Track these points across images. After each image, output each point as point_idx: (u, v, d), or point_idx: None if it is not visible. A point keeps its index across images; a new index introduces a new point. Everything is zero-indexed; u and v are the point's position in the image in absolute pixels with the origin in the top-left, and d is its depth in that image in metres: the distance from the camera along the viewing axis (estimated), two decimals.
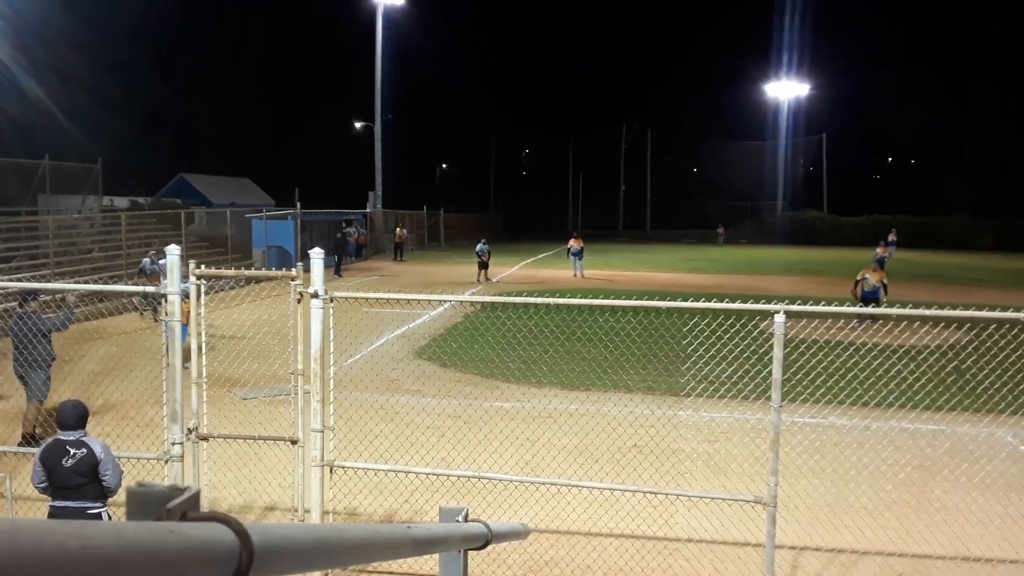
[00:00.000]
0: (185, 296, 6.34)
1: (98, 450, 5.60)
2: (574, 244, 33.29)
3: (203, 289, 6.52)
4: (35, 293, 10.06)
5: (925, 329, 10.73)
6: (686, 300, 6.29)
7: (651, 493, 6.91)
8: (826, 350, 8.39)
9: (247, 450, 8.39)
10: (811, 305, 6.36)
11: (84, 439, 5.66)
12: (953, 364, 11.10)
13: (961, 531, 7.05)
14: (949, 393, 10.63)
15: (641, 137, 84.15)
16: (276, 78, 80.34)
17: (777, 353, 5.73)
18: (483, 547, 2.95)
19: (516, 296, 7.18)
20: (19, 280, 15.37)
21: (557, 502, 7.40)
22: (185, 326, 6.50)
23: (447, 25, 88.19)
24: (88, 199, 30.05)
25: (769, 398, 5.88)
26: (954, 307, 6.58)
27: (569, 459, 9.16)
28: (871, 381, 10.96)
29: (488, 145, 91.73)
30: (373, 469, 7.11)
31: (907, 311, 6.60)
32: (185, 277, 6.34)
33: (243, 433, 7.65)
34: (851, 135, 78.79)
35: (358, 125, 58.44)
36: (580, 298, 6.60)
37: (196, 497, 1.22)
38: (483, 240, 31.90)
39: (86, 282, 15.48)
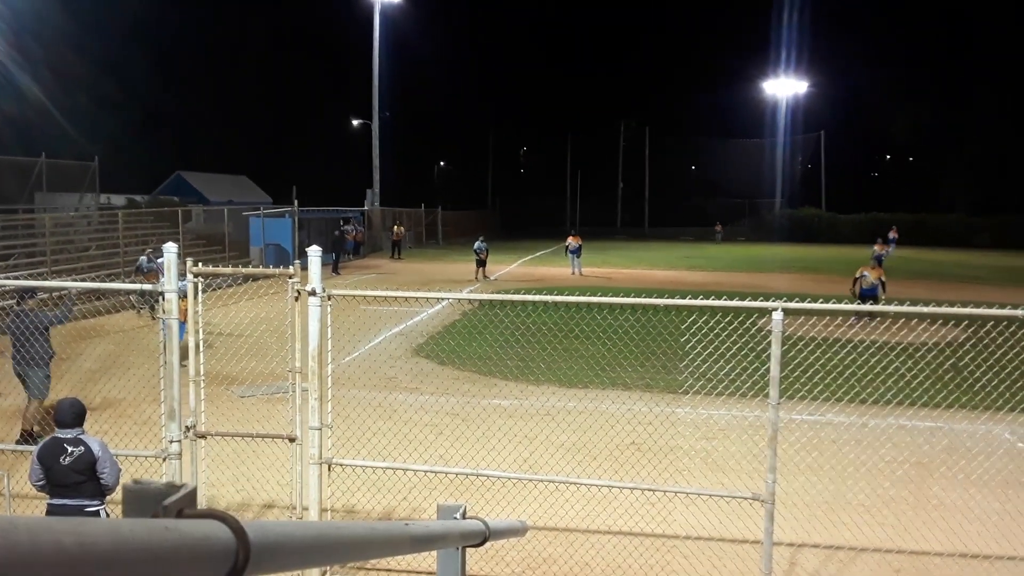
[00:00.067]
0: (183, 294, 6.34)
1: (96, 448, 5.60)
2: (572, 242, 33.29)
3: (200, 287, 6.51)
4: (33, 291, 10.06)
5: (923, 326, 10.74)
6: (684, 298, 6.29)
7: (649, 490, 6.92)
8: (824, 347, 8.39)
9: (245, 448, 8.39)
10: (809, 303, 6.37)
11: (82, 437, 5.66)
12: (951, 361, 11.11)
13: (959, 528, 7.05)
14: (947, 390, 10.63)
15: (639, 135, 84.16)
16: (274, 76, 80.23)
17: (775, 350, 5.73)
18: (481, 544, 2.95)
19: (514, 294, 7.18)
20: (16, 278, 15.36)
21: (555, 499, 7.40)
22: (183, 324, 6.50)
23: (445, 23, 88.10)
24: (85, 197, 30.00)
25: (767, 395, 5.88)
26: (952, 304, 6.59)
27: (567, 456, 9.17)
28: (869, 378, 10.97)
29: (486, 143, 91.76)
30: (371, 467, 7.11)
31: (905, 308, 6.60)
32: (182, 275, 6.33)
33: (241, 431, 7.64)
34: (849, 133, 78.85)
35: (356, 123, 58.39)
36: (578, 296, 6.59)
37: (192, 494, 1.22)
38: (481, 238, 31.90)
39: (83, 280, 15.47)
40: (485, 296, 9.08)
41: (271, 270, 6.93)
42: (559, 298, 6.63)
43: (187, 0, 70.47)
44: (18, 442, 9.23)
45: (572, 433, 9.71)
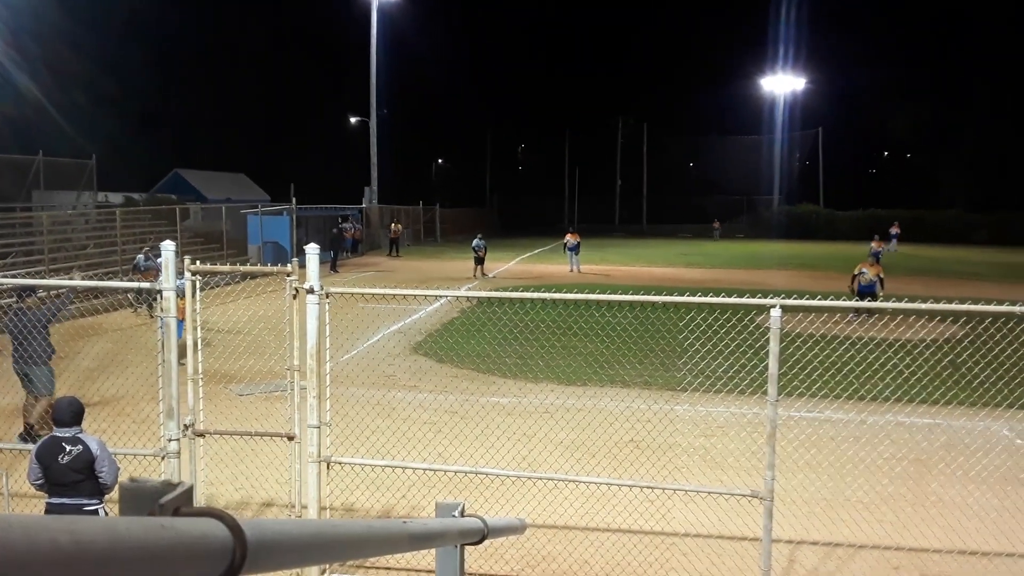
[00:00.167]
0: (181, 293, 6.33)
1: (94, 447, 5.60)
2: (570, 239, 33.29)
3: (198, 285, 6.50)
4: (33, 289, 10.07)
5: (921, 323, 10.74)
6: (682, 295, 6.28)
7: (648, 488, 6.92)
8: (822, 344, 8.39)
9: (244, 446, 8.39)
10: (807, 299, 6.37)
11: (80, 436, 5.66)
12: (949, 358, 11.12)
13: (957, 524, 7.06)
14: (945, 387, 10.65)
15: (637, 132, 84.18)
16: (272, 73, 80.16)
17: (773, 347, 5.73)
18: (479, 542, 2.95)
19: (512, 291, 7.17)
20: (14, 277, 15.35)
21: (554, 497, 7.40)
22: (181, 322, 6.49)
23: (443, 20, 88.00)
24: (83, 195, 29.96)
25: (765, 392, 5.88)
26: (950, 301, 6.60)
27: (566, 454, 9.17)
28: (867, 375, 10.98)
29: (484, 140, 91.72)
30: (370, 465, 7.11)
31: (903, 305, 6.61)
32: (180, 273, 6.32)
33: (240, 429, 7.63)
34: (847, 129, 78.86)
35: (354, 120, 58.29)
36: (576, 293, 6.59)
37: (189, 492, 1.21)
38: (479, 235, 31.88)
39: (81, 278, 15.44)
40: (483, 294, 9.08)
41: (269, 268, 6.93)
42: (557, 295, 6.62)
43: None
44: (22, 436, 9.29)
45: (571, 431, 9.72)
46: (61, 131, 41.24)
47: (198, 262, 6.60)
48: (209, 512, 1.15)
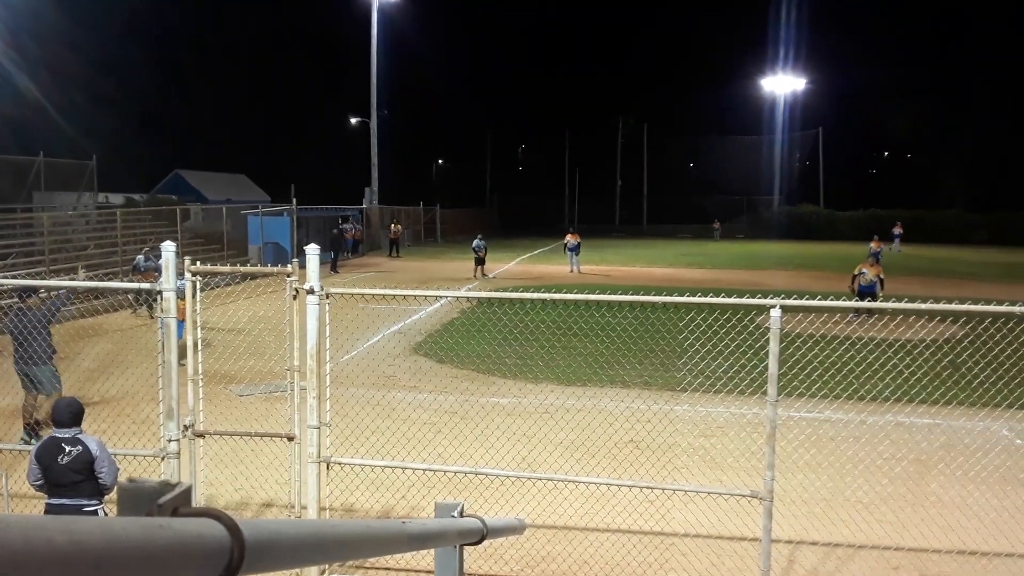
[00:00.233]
0: (181, 293, 6.33)
1: (93, 447, 5.60)
2: (570, 239, 33.28)
3: (199, 286, 6.51)
4: (34, 289, 10.09)
5: (921, 323, 10.75)
6: (682, 295, 6.29)
7: (648, 488, 6.92)
8: (822, 344, 8.40)
9: (244, 447, 8.40)
10: (807, 300, 6.37)
11: (79, 436, 5.66)
12: (949, 358, 11.12)
13: (957, 525, 7.07)
14: (945, 387, 10.65)
15: (637, 132, 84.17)
16: (272, 74, 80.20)
17: (773, 348, 5.73)
18: (479, 542, 2.95)
19: (513, 292, 7.18)
20: (14, 278, 15.35)
21: (554, 497, 7.41)
22: (181, 323, 6.49)
23: (443, 21, 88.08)
24: (83, 196, 29.97)
25: (765, 393, 5.88)
26: (949, 301, 6.60)
27: (566, 454, 9.17)
28: (867, 375, 10.98)
29: (484, 141, 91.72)
30: (370, 465, 7.11)
31: (903, 305, 6.61)
32: (181, 274, 6.33)
33: (240, 430, 7.64)
34: (847, 130, 78.85)
35: (354, 121, 58.29)
36: (576, 294, 6.59)
37: (187, 492, 1.22)
38: (479, 236, 31.89)
39: (85, 275, 15.40)
40: (483, 294, 9.09)
41: (269, 269, 6.94)
42: (558, 296, 6.62)
43: None
44: (27, 431, 9.34)
45: (571, 431, 9.72)
46: (61, 132, 41.25)
47: (198, 263, 6.61)
48: (207, 512, 1.15)
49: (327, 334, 6.26)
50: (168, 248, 6.18)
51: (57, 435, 5.64)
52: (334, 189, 53.87)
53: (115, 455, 5.88)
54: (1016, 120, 67.25)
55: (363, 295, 7.29)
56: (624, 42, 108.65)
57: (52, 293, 10.15)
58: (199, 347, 6.49)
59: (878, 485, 8.28)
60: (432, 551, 3.21)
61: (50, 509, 5.60)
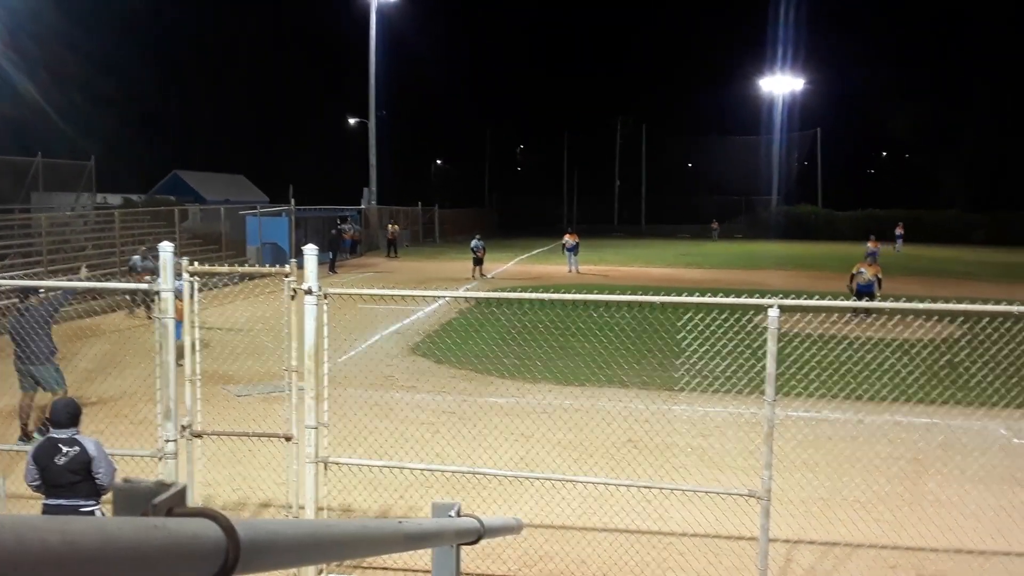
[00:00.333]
0: (179, 294, 6.33)
1: (91, 448, 5.60)
2: (569, 239, 33.28)
3: (197, 286, 6.51)
4: (34, 289, 10.10)
5: (919, 323, 10.77)
6: (680, 295, 6.29)
7: (645, 488, 6.93)
8: (820, 344, 8.41)
9: (241, 447, 8.39)
10: (805, 299, 6.38)
11: (77, 437, 5.66)
12: (946, 358, 11.14)
13: (954, 524, 7.07)
14: (942, 387, 10.65)
15: (636, 132, 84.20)
16: (270, 75, 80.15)
17: (771, 347, 5.73)
18: (475, 542, 2.95)
19: (511, 292, 7.18)
20: (12, 279, 15.33)
21: (552, 497, 7.41)
22: (179, 323, 6.49)
23: (441, 21, 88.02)
24: (81, 196, 29.94)
25: (763, 392, 5.89)
26: (947, 301, 6.60)
27: (564, 454, 9.17)
28: (865, 375, 10.99)
29: (483, 141, 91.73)
30: (368, 465, 7.11)
31: (901, 305, 6.62)
32: (179, 274, 6.32)
33: (237, 430, 7.64)
34: (846, 130, 78.92)
35: (353, 121, 58.29)
36: (575, 293, 6.60)
37: (182, 493, 1.22)
38: (478, 236, 31.88)
39: (88, 274, 15.37)
40: (482, 294, 9.10)
41: (267, 269, 6.94)
42: (556, 296, 6.63)
43: None
44: (25, 433, 9.36)
45: (569, 431, 9.73)
46: (60, 132, 41.24)
47: (196, 263, 6.61)
48: (202, 512, 1.15)
49: (325, 334, 6.26)
50: (166, 248, 6.18)
51: (54, 436, 5.64)
52: (332, 189, 53.90)
53: (112, 455, 5.87)
54: (1015, 120, 67.34)
55: (361, 295, 7.29)
56: (623, 42, 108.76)
57: (51, 293, 10.16)
58: (197, 347, 6.49)
59: (875, 484, 8.28)
60: (429, 551, 3.22)
61: (47, 509, 5.60)
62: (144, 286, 6.60)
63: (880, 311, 11.58)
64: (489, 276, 30.64)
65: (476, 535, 2.90)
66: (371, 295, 7.29)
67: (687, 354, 7.28)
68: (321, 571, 6.15)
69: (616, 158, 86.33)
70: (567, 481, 7.04)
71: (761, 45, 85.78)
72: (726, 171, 78.15)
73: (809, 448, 8.83)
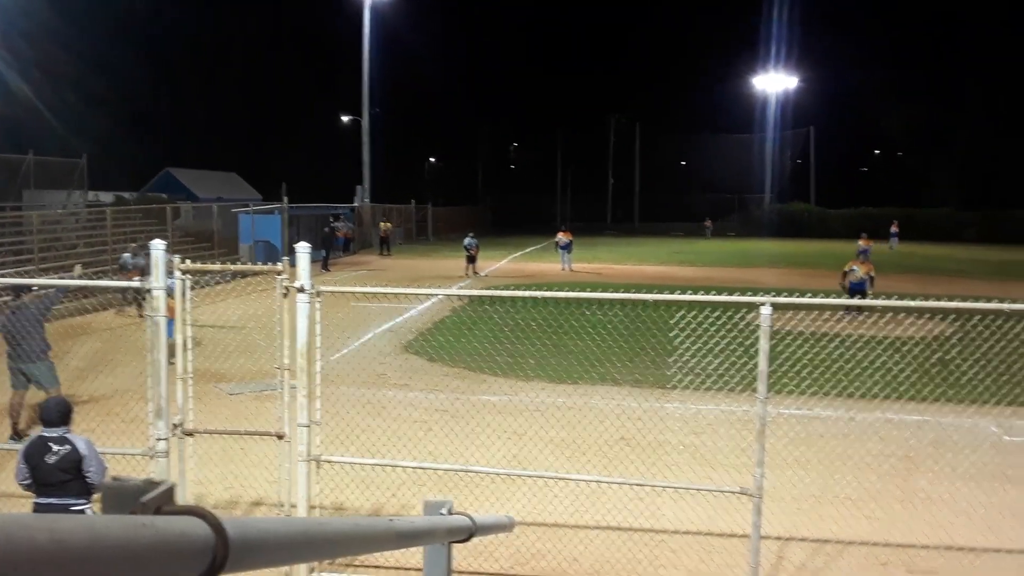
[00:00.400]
0: (171, 292, 6.32)
1: (82, 447, 5.58)
2: (562, 237, 33.28)
3: (188, 284, 6.50)
4: (27, 286, 10.08)
5: (910, 320, 10.80)
6: (673, 293, 6.30)
7: (638, 485, 6.94)
8: (812, 342, 8.42)
9: (233, 445, 8.38)
10: (797, 297, 6.39)
11: (67, 436, 5.64)
12: (938, 355, 11.17)
13: (945, 521, 7.11)
14: (934, 384, 10.69)
15: (629, 130, 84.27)
16: (263, 72, 79.97)
17: (763, 345, 5.75)
18: (467, 540, 2.96)
19: (504, 290, 7.19)
20: (3, 276, 15.29)
21: (545, 495, 7.42)
22: (171, 321, 6.47)
23: (435, 18, 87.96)
24: (73, 194, 29.83)
25: (755, 390, 5.90)
26: (939, 299, 6.63)
27: (556, 452, 9.18)
28: (856, 372, 11.02)
29: (476, 139, 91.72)
30: (360, 464, 7.11)
31: (893, 303, 6.64)
32: (171, 272, 6.31)
33: (229, 428, 7.63)
34: (839, 128, 79.10)
35: (345, 119, 58.20)
36: (568, 292, 6.61)
37: (171, 491, 1.22)
38: (471, 234, 31.87)
39: (82, 271, 15.32)
40: (475, 292, 9.08)
41: (259, 267, 6.92)
42: (549, 294, 6.64)
43: None
44: (16, 432, 9.33)
45: (561, 429, 9.73)
46: (52, 130, 41.12)
47: (188, 261, 6.60)
48: (191, 510, 1.15)
49: (318, 332, 6.25)
50: (158, 246, 6.16)
51: (45, 434, 5.63)
52: (325, 187, 53.86)
53: (104, 454, 5.86)
54: (1007, 119, 67.63)
55: (354, 293, 7.29)
56: (617, 40, 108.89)
57: (45, 290, 10.13)
58: (189, 346, 6.48)
59: (867, 482, 8.31)
60: (421, 549, 3.22)
61: (38, 508, 5.58)
62: (136, 284, 6.57)
63: (872, 309, 11.61)
64: (482, 274, 30.63)
65: (468, 533, 2.90)
66: (364, 293, 7.28)
67: (680, 352, 7.29)
68: (313, 569, 6.15)
69: (610, 156, 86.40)
70: (560, 479, 7.05)
71: (755, 44, 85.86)
72: (719, 169, 78.30)
73: (801, 445, 8.86)
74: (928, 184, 71.08)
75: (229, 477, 8.09)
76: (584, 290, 6.46)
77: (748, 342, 7.16)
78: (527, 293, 6.66)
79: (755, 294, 5.98)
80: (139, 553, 1.01)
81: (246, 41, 77.72)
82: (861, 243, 31.59)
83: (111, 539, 0.97)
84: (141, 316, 14.53)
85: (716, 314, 7.17)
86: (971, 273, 32.95)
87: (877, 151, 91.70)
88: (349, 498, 7.59)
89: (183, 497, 6.28)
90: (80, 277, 11.04)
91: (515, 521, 4.05)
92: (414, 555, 6.18)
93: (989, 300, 6.05)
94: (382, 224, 42.94)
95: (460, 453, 8.18)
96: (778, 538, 7.00)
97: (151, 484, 1.22)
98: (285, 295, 6.24)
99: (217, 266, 7.45)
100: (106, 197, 34.96)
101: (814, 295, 6.69)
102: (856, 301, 9.45)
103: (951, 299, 6.50)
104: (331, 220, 39.09)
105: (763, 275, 31.09)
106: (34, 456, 5.55)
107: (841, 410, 10.61)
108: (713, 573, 6.53)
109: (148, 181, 52.68)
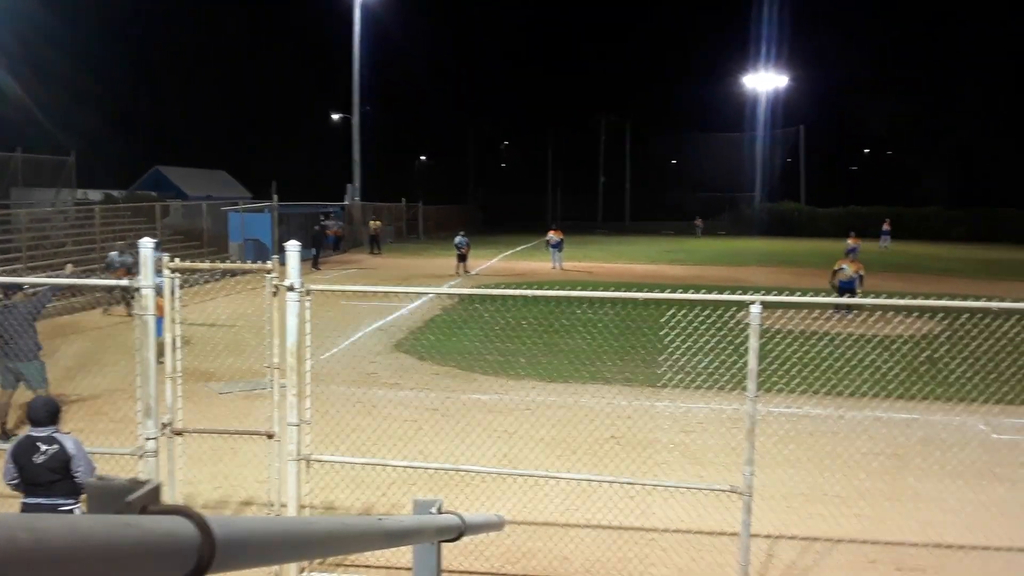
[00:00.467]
0: (160, 290, 6.29)
1: (70, 446, 5.55)
2: (553, 236, 33.30)
3: (178, 283, 6.47)
4: (18, 285, 10.03)
5: (899, 319, 10.84)
6: (664, 291, 6.31)
7: (628, 484, 6.94)
8: (801, 340, 8.44)
9: (223, 445, 8.36)
10: (786, 295, 6.41)
11: (55, 435, 5.61)
12: (926, 353, 11.22)
13: (934, 519, 7.14)
14: (922, 382, 10.74)
15: (620, 129, 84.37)
16: (253, 70, 79.76)
17: (753, 343, 5.76)
18: (457, 539, 2.95)
19: (495, 288, 7.18)
20: None
21: (535, 494, 7.42)
22: (160, 320, 6.44)
23: (425, 17, 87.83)
24: (61, 192, 29.67)
25: (745, 388, 5.91)
26: (927, 297, 6.65)
27: (547, 451, 9.18)
28: (846, 371, 11.05)
29: (467, 137, 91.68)
30: (350, 463, 7.09)
31: (881, 301, 6.66)
32: (159, 271, 6.27)
33: (219, 428, 7.60)
34: (828, 127, 79.36)
35: (336, 117, 58.05)
36: (559, 290, 6.61)
37: (156, 490, 1.21)
38: (462, 232, 31.85)
39: (73, 270, 15.22)
40: (465, 291, 9.08)
41: (249, 265, 6.90)
42: (540, 292, 6.63)
43: None
44: (3, 431, 9.26)
45: (552, 427, 9.74)
46: (40, 127, 40.89)
47: (177, 259, 6.56)
48: (176, 510, 1.14)
49: (308, 331, 6.23)
50: (146, 244, 6.13)
51: (33, 434, 5.59)
52: (316, 186, 53.74)
53: (92, 454, 5.82)
54: (996, 118, 67.99)
55: (344, 292, 7.27)
56: (608, 39, 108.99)
57: (36, 289, 10.09)
58: (178, 344, 6.45)
59: (856, 480, 8.34)
60: (413, 548, 3.21)
61: (26, 508, 5.55)
62: (125, 282, 6.54)
63: (861, 307, 11.65)
64: (473, 273, 30.62)
65: (457, 532, 2.90)
66: (354, 291, 7.27)
67: (670, 350, 7.29)
68: (303, 569, 6.14)
69: (600, 155, 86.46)
70: (550, 478, 7.05)
71: (745, 43, 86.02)
72: (710, 168, 78.42)
73: (790, 444, 8.88)
74: (917, 183, 71.40)
75: (219, 477, 8.06)
76: (575, 289, 6.46)
77: (738, 340, 7.18)
78: (518, 292, 6.66)
79: (745, 293, 5.99)
80: (124, 553, 1.00)
81: (237, 39, 77.50)
82: (850, 242, 31.70)
83: (95, 539, 0.96)
84: (130, 315, 14.46)
85: (706, 313, 7.18)
86: (960, 272, 33.11)
87: (867, 150, 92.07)
88: (339, 497, 7.57)
89: (172, 497, 6.26)
90: (72, 277, 10.98)
91: (505, 520, 4.05)
92: (405, 554, 6.17)
93: (978, 299, 6.07)
94: (371, 223, 42.85)
95: (451, 452, 8.18)
96: (768, 536, 7.02)
97: (136, 483, 1.21)
98: (275, 294, 6.22)
99: (206, 264, 7.43)
100: (95, 195, 34.78)
101: (804, 294, 6.72)
102: (845, 300, 9.47)
103: (940, 298, 6.52)
104: (321, 218, 38.96)
105: (753, 274, 31.18)
106: (22, 456, 5.52)
107: (830, 408, 10.65)
108: (703, 571, 6.54)
109: (137, 179, 52.45)
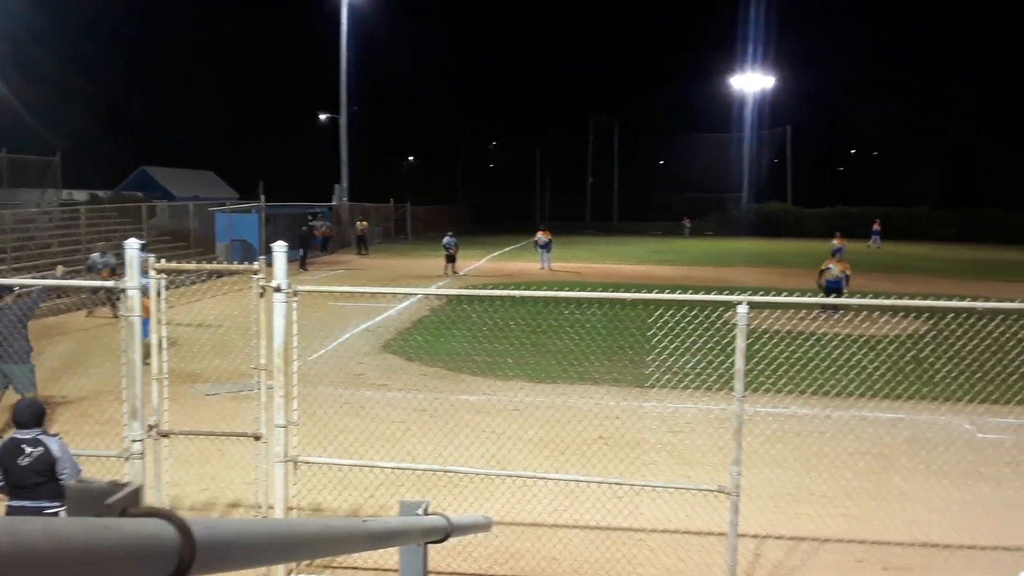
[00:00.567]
0: (145, 291, 6.25)
1: (55, 448, 5.51)
2: (542, 236, 33.32)
3: (164, 284, 6.44)
4: (9, 287, 9.97)
5: (885, 319, 10.90)
6: (651, 292, 6.32)
7: (616, 484, 6.95)
8: (788, 340, 8.48)
9: (210, 447, 8.32)
10: (773, 296, 6.43)
11: (40, 437, 5.57)
12: (912, 353, 11.28)
13: (920, 518, 7.18)
14: (908, 382, 10.80)
15: (608, 130, 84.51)
16: (240, 70, 79.49)
17: (740, 343, 5.77)
18: (443, 540, 2.95)
19: (483, 289, 7.18)
20: None
21: (523, 495, 7.42)
22: (146, 321, 6.41)
23: (414, 17, 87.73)
24: (47, 192, 29.47)
25: (732, 388, 5.93)
26: (913, 297, 6.68)
27: (535, 451, 9.18)
28: (832, 371, 11.10)
29: (455, 137, 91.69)
30: (338, 464, 7.08)
31: (868, 301, 6.69)
32: (145, 272, 6.24)
33: (206, 429, 7.57)
34: (815, 127, 79.69)
35: (323, 117, 57.88)
36: (547, 290, 6.61)
37: (137, 493, 1.20)
38: (450, 233, 31.83)
39: (64, 272, 15.12)
40: (453, 291, 9.07)
41: (235, 266, 6.88)
42: (528, 293, 6.64)
43: None
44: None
45: (540, 428, 9.74)
46: (25, 127, 40.61)
47: (164, 260, 6.54)
48: (156, 512, 1.14)
49: (295, 332, 6.21)
50: (132, 245, 6.10)
51: (18, 436, 5.55)
52: (303, 186, 53.57)
53: (78, 456, 5.79)
54: (983, 118, 68.47)
55: (332, 292, 7.25)
56: (596, 40, 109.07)
57: (27, 291, 10.02)
58: (164, 346, 6.42)
59: (842, 479, 8.38)
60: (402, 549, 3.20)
61: (11, 511, 5.51)
62: (111, 283, 6.50)
63: (848, 307, 11.71)
64: (461, 273, 30.61)
65: (444, 533, 2.89)
66: (342, 292, 7.25)
67: (658, 351, 7.31)
68: (291, 571, 6.12)
69: (588, 155, 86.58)
70: (538, 478, 7.05)
71: (732, 43, 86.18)
72: (697, 169, 78.57)
73: (777, 444, 8.91)
74: (905, 183, 71.78)
75: (206, 479, 8.02)
76: (563, 289, 6.47)
77: (725, 341, 7.20)
78: (506, 292, 6.66)
79: (732, 293, 6.01)
80: (103, 556, 1.00)
81: (223, 38, 77.21)
82: (835, 242, 31.84)
83: (74, 542, 0.95)
84: (115, 316, 14.38)
85: (694, 313, 7.20)
86: (946, 272, 33.31)
87: (853, 150, 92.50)
88: (327, 499, 7.55)
89: (159, 499, 6.23)
90: (62, 278, 10.90)
91: (493, 521, 4.05)
92: (393, 555, 6.15)
93: (963, 299, 6.11)
94: (358, 223, 42.75)
95: (439, 453, 8.17)
96: (755, 536, 7.04)
97: (117, 486, 1.20)
98: (262, 295, 6.20)
99: (193, 265, 7.40)
100: (80, 195, 34.57)
101: (790, 294, 6.74)
102: (832, 300, 9.51)
103: (926, 298, 6.56)
104: (309, 219, 38.83)
105: (740, 274, 31.27)
106: (6, 458, 5.48)
107: (817, 408, 10.69)
108: (691, 571, 6.55)
109: (123, 179, 52.18)
